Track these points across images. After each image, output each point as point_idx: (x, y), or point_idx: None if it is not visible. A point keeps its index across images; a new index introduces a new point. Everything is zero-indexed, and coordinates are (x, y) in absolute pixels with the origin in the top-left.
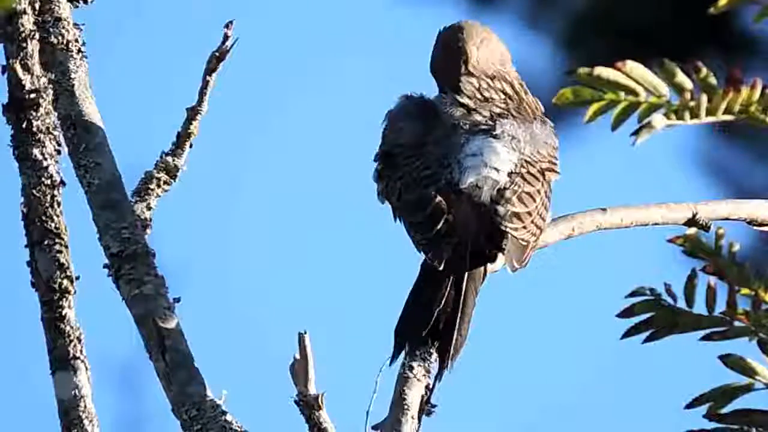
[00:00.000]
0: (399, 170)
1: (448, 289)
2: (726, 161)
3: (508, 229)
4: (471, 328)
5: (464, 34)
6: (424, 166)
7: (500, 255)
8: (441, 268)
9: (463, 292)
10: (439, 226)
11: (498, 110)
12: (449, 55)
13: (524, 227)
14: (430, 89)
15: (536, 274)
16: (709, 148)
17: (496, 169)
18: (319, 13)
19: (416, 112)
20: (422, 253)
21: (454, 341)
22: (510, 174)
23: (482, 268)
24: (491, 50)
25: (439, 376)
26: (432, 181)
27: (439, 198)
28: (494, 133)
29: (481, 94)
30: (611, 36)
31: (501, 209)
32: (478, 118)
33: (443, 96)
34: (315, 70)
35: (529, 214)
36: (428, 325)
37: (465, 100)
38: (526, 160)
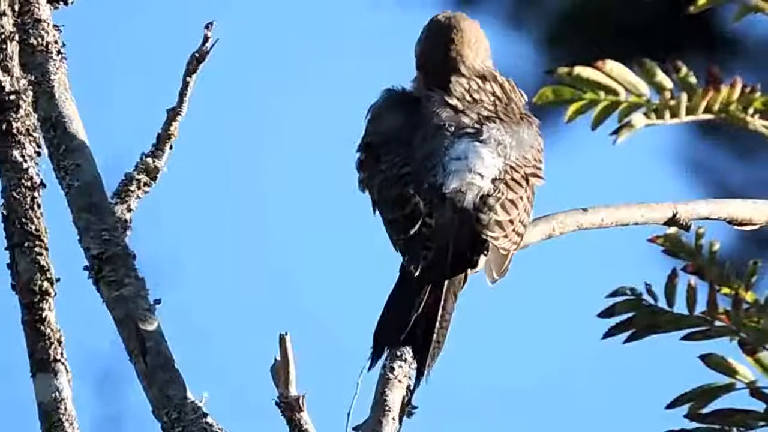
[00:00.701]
0: (380, 163)
1: (428, 294)
2: (706, 160)
3: (489, 238)
4: (449, 332)
5: (461, 34)
6: (404, 162)
7: (481, 259)
8: (417, 274)
9: (442, 298)
10: (415, 228)
11: (486, 113)
12: (443, 53)
13: (505, 236)
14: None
15: (516, 274)
16: (689, 148)
17: (481, 175)
18: (299, 14)
19: (399, 105)
20: (399, 252)
21: (431, 349)
22: (494, 180)
23: (463, 274)
24: (483, 49)
25: (417, 382)
26: (411, 180)
27: (417, 198)
28: (480, 137)
29: (471, 95)
30: (592, 35)
31: (484, 217)
32: (466, 120)
33: (431, 94)
34: (295, 72)
35: (511, 222)
36: (406, 330)
37: (454, 102)
38: (510, 166)
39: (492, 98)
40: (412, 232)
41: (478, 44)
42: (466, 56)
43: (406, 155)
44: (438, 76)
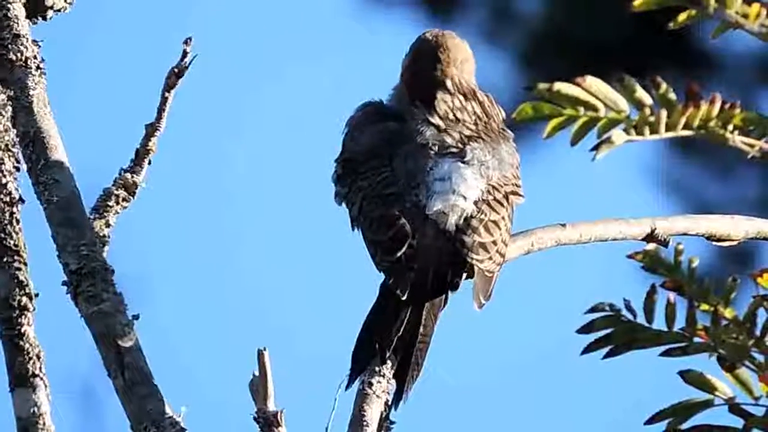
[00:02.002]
0: (361, 180)
1: (408, 315)
2: (685, 177)
3: (474, 261)
4: (428, 354)
5: (447, 53)
6: (389, 182)
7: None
8: (405, 298)
9: (423, 319)
10: (402, 251)
11: (468, 132)
12: (428, 71)
13: (490, 257)
14: (380, 93)
15: (495, 290)
16: (668, 164)
17: (464, 197)
18: (277, 27)
19: (379, 120)
20: (382, 273)
21: (410, 371)
22: (476, 202)
23: (443, 295)
24: (468, 69)
25: (395, 404)
26: (396, 200)
27: (403, 220)
28: (464, 158)
29: (454, 114)
30: (571, 51)
31: (467, 239)
32: (449, 140)
33: (414, 110)
34: (274, 87)
35: (494, 243)
36: (386, 351)
37: (436, 120)
38: (492, 186)
39: (473, 117)
40: (398, 254)
41: (464, 64)
42: (452, 75)
43: (390, 173)
44: (422, 92)
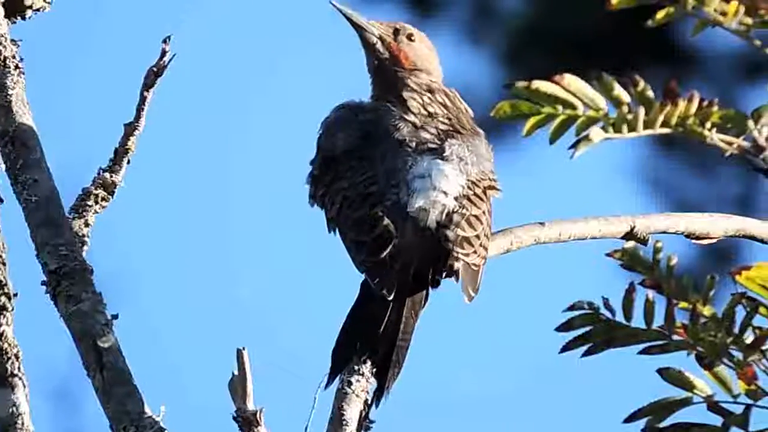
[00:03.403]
0: (340, 181)
1: (389, 313)
2: (664, 175)
3: (460, 256)
4: (409, 352)
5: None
6: (371, 181)
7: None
8: (390, 298)
9: (403, 318)
10: (386, 252)
11: (444, 126)
12: (392, 71)
13: (474, 251)
14: (366, 93)
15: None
16: (647, 162)
17: (445, 193)
18: (260, 25)
19: (355, 120)
20: (364, 273)
21: (391, 369)
22: (457, 198)
23: (423, 292)
24: (434, 65)
25: (376, 402)
26: (379, 200)
27: (387, 221)
28: (443, 154)
29: (426, 109)
30: (552, 49)
31: (451, 234)
32: (426, 135)
33: (390, 108)
34: (255, 84)
35: (477, 237)
36: (366, 350)
37: (411, 118)
38: (471, 181)
39: (444, 110)
40: (383, 255)
41: (429, 60)
42: (417, 70)
43: (370, 173)
44: (389, 91)
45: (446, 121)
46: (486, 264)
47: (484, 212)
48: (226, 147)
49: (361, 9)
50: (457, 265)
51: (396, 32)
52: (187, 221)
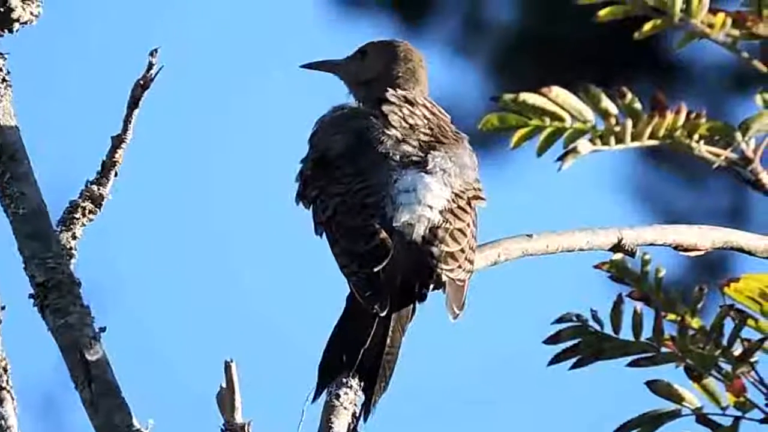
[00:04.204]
0: (336, 185)
1: (375, 327)
2: (652, 186)
3: (444, 272)
4: (396, 366)
5: (418, 60)
6: (368, 192)
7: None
8: (384, 314)
9: (390, 331)
10: (382, 266)
11: (425, 138)
12: (379, 73)
13: (459, 266)
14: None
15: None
16: (635, 174)
17: (430, 207)
18: (247, 37)
19: (349, 125)
20: (351, 284)
21: (378, 383)
22: (442, 211)
23: (411, 307)
24: (415, 77)
25: (364, 415)
26: (375, 212)
27: (384, 234)
28: (427, 167)
29: (406, 121)
30: (541, 60)
31: (435, 250)
32: (408, 148)
33: (372, 119)
34: (241, 96)
35: (462, 251)
36: (353, 365)
37: (393, 132)
38: (455, 193)
39: (425, 121)
40: (377, 269)
41: (413, 70)
42: (397, 78)
43: (367, 183)
44: (372, 92)
45: (428, 131)
46: (472, 277)
47: (468, 224)
48: (214, 158)
49: (353, 21)
50: (445, 277)
51: (363, 54)
52: (174, 233)
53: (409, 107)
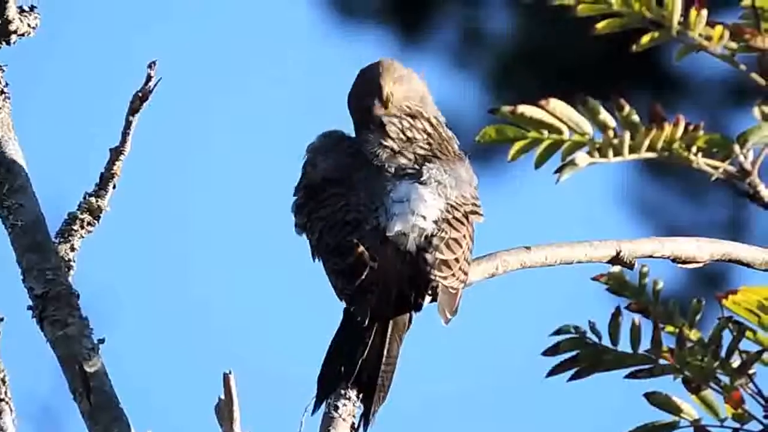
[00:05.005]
0: (321, 209)
1: (372, 338)
2: (650, 198)
3: (437, 278)
4: (394, 376)
5: (381, 71)
6: (348, 209)
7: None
8: (365, 324)
9: (387, 341)
10: (362, 278)
11: (422, 152)
12: (367, 94)
13: (453, 274)
14: (349, 121)
15: (460, 312)
16: (634, 186)
17: (423, 217)
18: (247, 48)
19: (338, 148)
20: (343, 301)
21: (377, 393)
22: (436, 221)
23: (407, 316)
24: (409, 88)
25: (363, 426)
26: (355, 228)
27: (361, 248)
28: (421, 178)
29: (404, 134)
30: (540, 73)
31: (429, 257)
32: (404, 161)
33: (368, 135)
34: (240, 108)
35: (457, 260)
36: (351, 375)
37: (389, 143)
38: (451, 205)
39: (425, 135)
40: (357, 282)
41: (406, 83)
42: (393, 92)
43: (348, 200)
44: (367, 116)
45: (426, 146)
46: (465, 287)
47: (464, 236)
48: (212, 171)
49: (352, 34)
50: (439, 285)
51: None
52: (172, 245)
53: (410, 120)
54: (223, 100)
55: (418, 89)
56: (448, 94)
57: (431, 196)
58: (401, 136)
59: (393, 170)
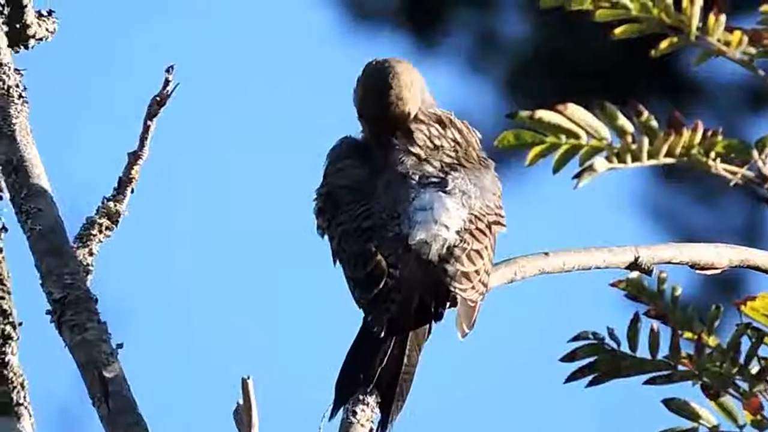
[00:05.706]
0: (341, 214)
1: (391, 346)
2: (669, 204)
3: (457, 290)
4: (413, 385)
5: (398, 78)
6: (366, 215)
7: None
8: (382, 335)
9: (406, 350)
10: (379, 288)
11: (448, 160)
12: (384, 100)
13: (472, 287)
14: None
15: (479, 318)
16: (652, 191)
17: (446, 226)
18: (263, 55)
19: (359, 153)
20: (361, 310)
21: (395, 401)
22: (459, 231)
23: (427, 325)
24: (420, 88)
25: None
26: (374, 234)
27: (379, 256)
28: (446, 187)
29: (432, 141)
30: (556, 77)
31: (450, 268)
32: (429, 168)
33: (394, 141)
34: (258, 114)
35: (477, 272)
36: (370, 383)
37: (416, 150)
38: (475, 215)
39: (453, 144)
40: (375, 292)
41: (416, 85)
42: (407, 100)
43: (367, 206)
44: (383, 123)
45: (452, 154)
46: (484, 300)
47: (486, 247)
48: (230, 174)
49: (365, 38)
50: (457, 296)
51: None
52: (191, 249)
53: (439, 127)
54: (233, 102)
55: (423, 85)
56: (462, 98)
57: (455, 206)
58: (428, 143)
59: (417, 178)
